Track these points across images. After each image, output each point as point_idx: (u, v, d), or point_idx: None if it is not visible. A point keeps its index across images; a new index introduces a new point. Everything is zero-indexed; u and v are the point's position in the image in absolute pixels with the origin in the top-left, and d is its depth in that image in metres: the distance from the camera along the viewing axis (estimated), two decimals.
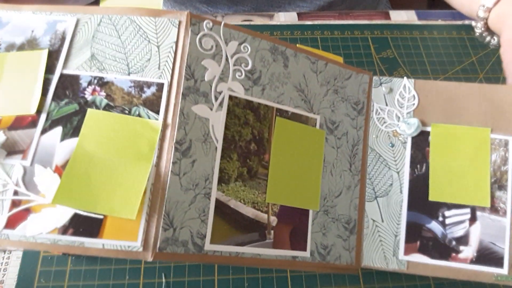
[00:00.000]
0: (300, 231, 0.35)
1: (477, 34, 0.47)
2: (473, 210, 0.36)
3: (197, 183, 0.31)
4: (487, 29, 0.46)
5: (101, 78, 0.31)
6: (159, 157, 0.30)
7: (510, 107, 0.37)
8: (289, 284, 0.39)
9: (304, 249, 0.35)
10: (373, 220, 0.37)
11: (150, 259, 0.29)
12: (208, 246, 0.31)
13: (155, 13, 0.33)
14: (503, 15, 0.43)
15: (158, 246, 0.29)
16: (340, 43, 0.54)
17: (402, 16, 0.59)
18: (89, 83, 0.31)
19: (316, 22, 0.56)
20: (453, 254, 0.35)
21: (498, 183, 0.36)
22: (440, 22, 0.58)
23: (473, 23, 0.47)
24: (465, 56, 0.55)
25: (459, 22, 0.58)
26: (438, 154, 0.37)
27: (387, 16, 0.59)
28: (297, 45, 0.38)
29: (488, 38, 0.47)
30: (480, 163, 0.37)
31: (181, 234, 0.30)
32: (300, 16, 0.57)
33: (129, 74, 0.32)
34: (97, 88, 0.31)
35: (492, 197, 0.36)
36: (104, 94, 0.31)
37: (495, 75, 0.53)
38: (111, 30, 0.32)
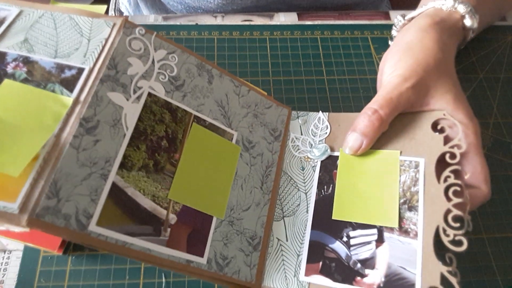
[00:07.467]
0: (200, 235, 0.34)
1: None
2: (380, 230, 0.34)
3: (95, 162, 0.31)
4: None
5: (27, 57, 0.33)
6: (62, 129, 0.31)
7: (419, 131, 0.37)
8: None
9: (201, 255, 0.33)
10: (278, 239, 0.36)
11: (24, 223, 0.27)
12: (92, 227, 0.29)
13: (94, 15, 0.36)
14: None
15: (36, 212, 0.28)
16: (340, 43, 0.54)
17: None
18: (14, 60, 0.33)
19: (316, 22, 0.57)
20: (358, 278, 0.33)
21: (408, 204, 0.35)
22: None
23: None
24: (465, 56, 0.53)
25: None
26: (344, 175, 0.38)
27: (387, 16, 0.59)
28: (226, 69, 0.42)
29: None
30: (388, 184, 0.36)
31: (66, 207, 0.29)
32: (300, 16, 0.58)
33: (55, 58, 0.34)
34: (21, 65, 0.33)
35: (402, 218, 0.34)
36: (26, 70, 0.33)
37: (495, 75, 0.52)
38: (50, 23, 0.36)
